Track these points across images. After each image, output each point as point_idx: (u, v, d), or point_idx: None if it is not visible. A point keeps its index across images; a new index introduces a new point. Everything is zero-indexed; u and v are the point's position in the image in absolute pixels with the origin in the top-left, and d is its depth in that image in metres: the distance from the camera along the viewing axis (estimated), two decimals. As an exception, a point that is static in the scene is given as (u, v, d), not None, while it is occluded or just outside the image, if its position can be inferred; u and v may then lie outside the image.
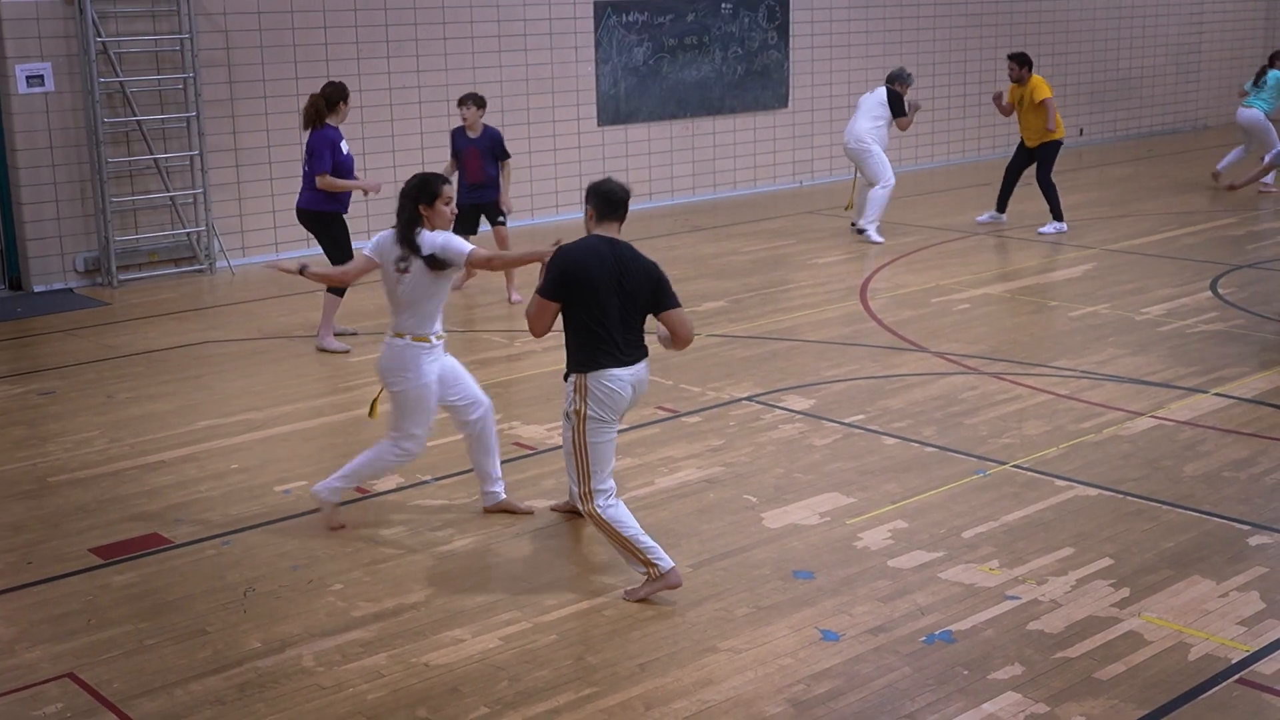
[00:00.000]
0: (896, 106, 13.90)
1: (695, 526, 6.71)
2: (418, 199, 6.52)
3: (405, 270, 6.47)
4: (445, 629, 5.70)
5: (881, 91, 13.99)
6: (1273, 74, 16.39)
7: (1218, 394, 8.64)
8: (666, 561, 5.91)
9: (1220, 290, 11.38)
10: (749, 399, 8.71)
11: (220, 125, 12.92)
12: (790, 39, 17.02)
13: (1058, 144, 14.06)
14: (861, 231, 13.94)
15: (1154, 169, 18.43)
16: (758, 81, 16.82)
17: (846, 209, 14.72)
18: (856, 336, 10.19)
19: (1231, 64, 23.09)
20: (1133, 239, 13.62)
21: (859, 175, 14.27)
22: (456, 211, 6.77)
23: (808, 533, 6.62)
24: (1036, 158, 14.16)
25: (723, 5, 16.33)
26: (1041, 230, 13.98)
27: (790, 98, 17.19)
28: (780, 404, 8.60)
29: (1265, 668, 5.29)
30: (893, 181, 13.87)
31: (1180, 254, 12.87)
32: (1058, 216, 14.03)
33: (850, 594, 5.96)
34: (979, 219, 14.60)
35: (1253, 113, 16.38)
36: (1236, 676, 5.23)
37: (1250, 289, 11.42)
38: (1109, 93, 21.11)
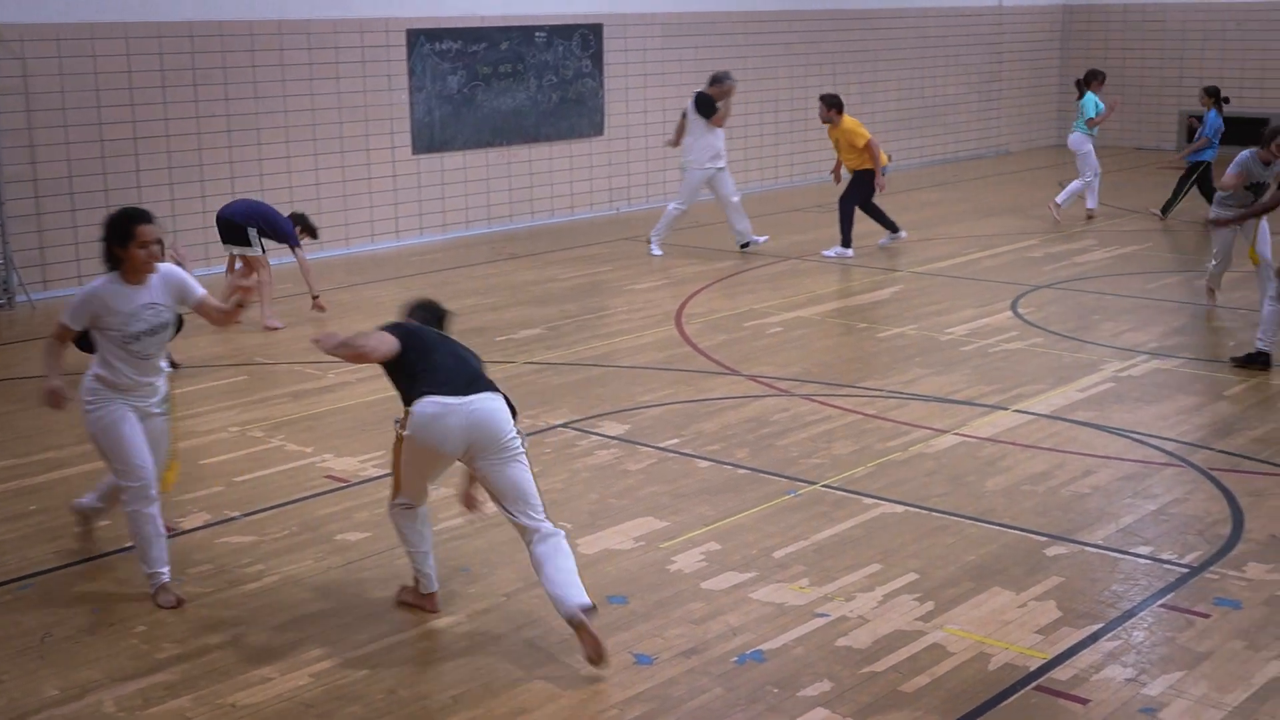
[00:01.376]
0: (705, 108, 14.25)
1: (510, 555, 6.69)
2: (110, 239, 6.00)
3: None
4: (253, 668, 5.59)
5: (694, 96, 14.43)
6: (1088, 97, 16.73)
7: (1017, 410, 8.94)
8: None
9: (1020, 310, 11.77)
10: (564, 425, 8.73)
11: (18, 155, 12.50)
12: (604, 67, 17.16)
13: (870, 173, 14.44)
14: (746, 245, 14.49)
15: (958, 194, 19.02)
16: (573, 109, 16.92)
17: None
18: (671, 361, 10.29)
19: (1031, 92, 23.97)
20: (938, 261, 14.03)
21: (718, 194, 14.64)
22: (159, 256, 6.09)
23: (622, 557, 6.66)
24: (851, 182, 14.56)
25: (536, 34, 16.39)
26: (826, 253, 14.41)
27: (605, 125, 17.32)
28: (596, 430, 8.63)
29: (1061, 674, 5.47)
30: (684, 206, 14.44)
31: (983, 276, 13.29)
32: (846, 243, 14.41)
33: (664, 617, 6.00)
34: (881, 243, 14.89)
35: (1075, 137, 16.67)
36: (1034, 684, 5.41)
37: (1048, 309, 11.85)
38: (915, 120, 21.73)
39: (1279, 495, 7.39)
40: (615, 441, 8.41)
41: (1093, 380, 9.61)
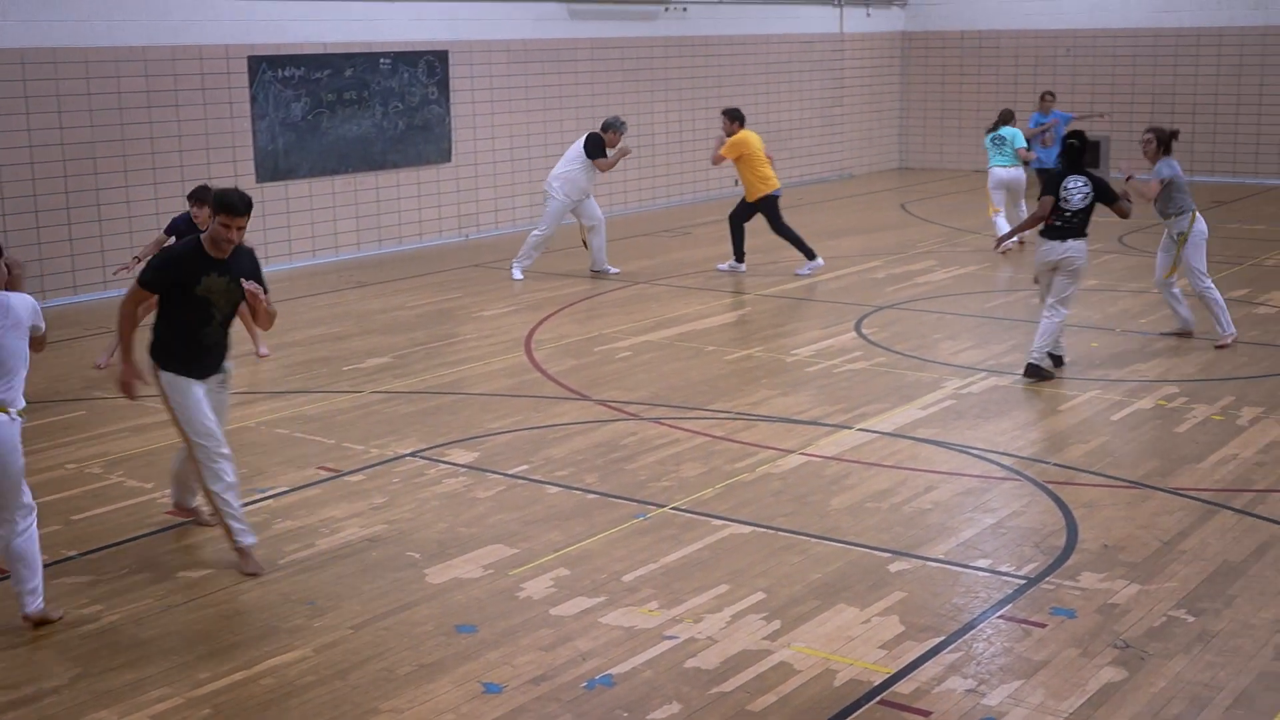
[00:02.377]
0: (592, 148, 14.40)
1: (357, 587, 6.62)
2: None
3: None
4: (90, 711, 5.44)
5: (585, 137, 14.53)
6: (1006, 130, 16.90)
7: (861, 429, 9.10)
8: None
9: (864, 330, 12.00)
10: (413, 455, 8.66)
11: None
12: (451, 94, 17.10)
13: (775, 195, 14.75)
14: (600, 272, 14.59)
15: (803, 217, 19.26)
16: (420, 136, 16.83)
17: (584, 244, 15.08)
18: (521, 388, 10.28)
19: (873, 116, 24.48)
20: (784, 284, 14.23)
21: (580, 220, 14.74)
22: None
23: (471, 586, 6.63)
24: (757, 211, 14.83)
25: (381, 60, 16.28)
26: (800, 271, 14.71)
27: (453, 152, 17.26)
28: (444, 458, 8.59)
29: (904, 688, 5.58)
30: (549, 233, 14.54)
31: (827, 297, 13.52)
32: (810, 255, 14.72)
33: (513, 644, 5.99)
34: (719, 267, 15.04)
35: (1014, 172, 16.43)
36: (879, 698, 5.50)
37: (890, 328, 12.09)
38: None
39: (1110, 506, 7.63)
40: (464, 469, 8.37)
41: (934, 398, 9.83)
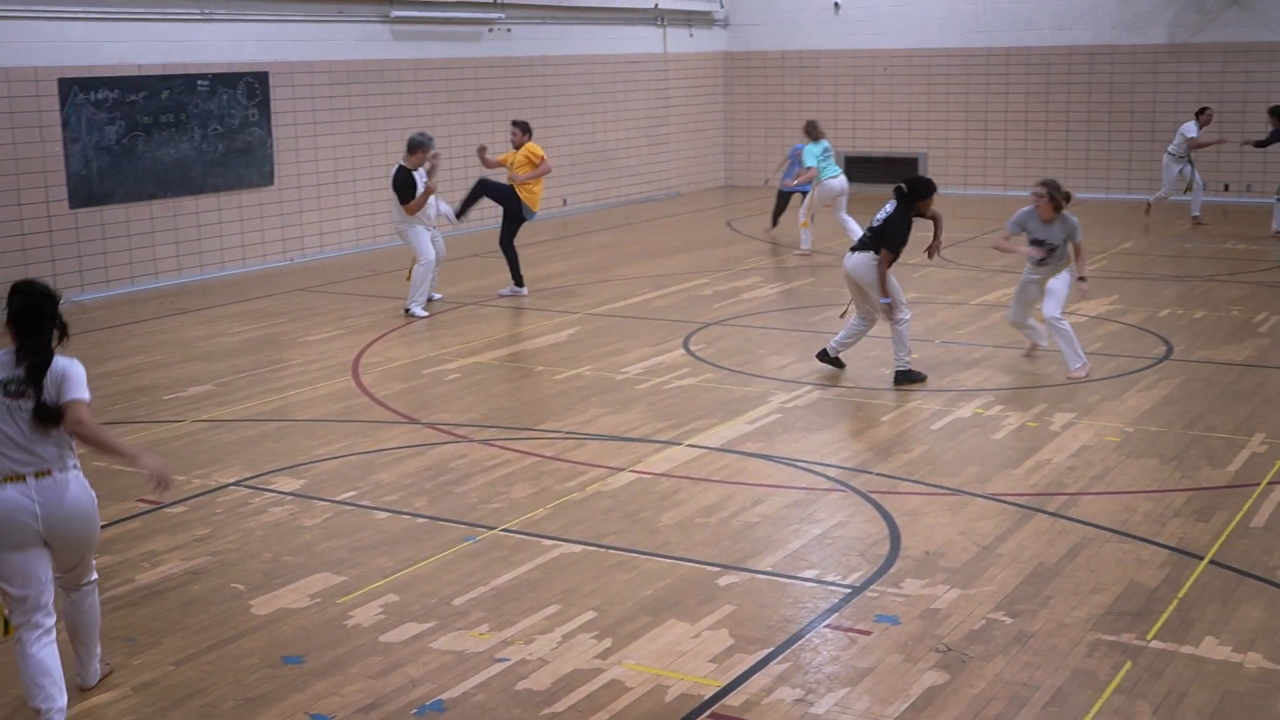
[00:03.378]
0: (401, 192, 13.66)
1: (180, 621, 6.46)
2: None
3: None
4: (-106, 763, 5.21)
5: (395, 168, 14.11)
6: (810, 148, 17.55)
7: (690, 445, 9.18)
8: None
9: (691, 347, 12.12)
10: (236, 484, 8.49)
11: None
12: (272, 115, 16.83)
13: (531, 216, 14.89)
14: (408, 312, 13.87)
15: (631, 236, 19.44)
16: (241, 159, 16.53)
17: (408, 279, 14.63)
18: (348, 413, 10.15)
19: (698, 135, 24.77)
20: (613, 303, 14.30)
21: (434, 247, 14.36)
22: None
23: (298, 616, 6.51)
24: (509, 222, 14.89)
25: (199, 82, 15.95)
26: (503, 292, 14.75)
27: (275, 174, 16.98)
28: (270, 486, 8.43)
29: (733, 700, 5.64)
30: (430, 257, 13.89)
31: (656, 315, 13.62)
32: (519, 282, 14.85)
33: (341, 674, 5.90)
34: (501, 293, 14.93)
35: (845, 180, 17.48)
36: (709, 712, 5.55)
37: (717, 344, 12.23)
38: (588, 164, 22.14)
39: (932, 513, 7.82)
40: (290, 497, 8.23)
41: (761, 412, 9.97)
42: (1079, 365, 10.75)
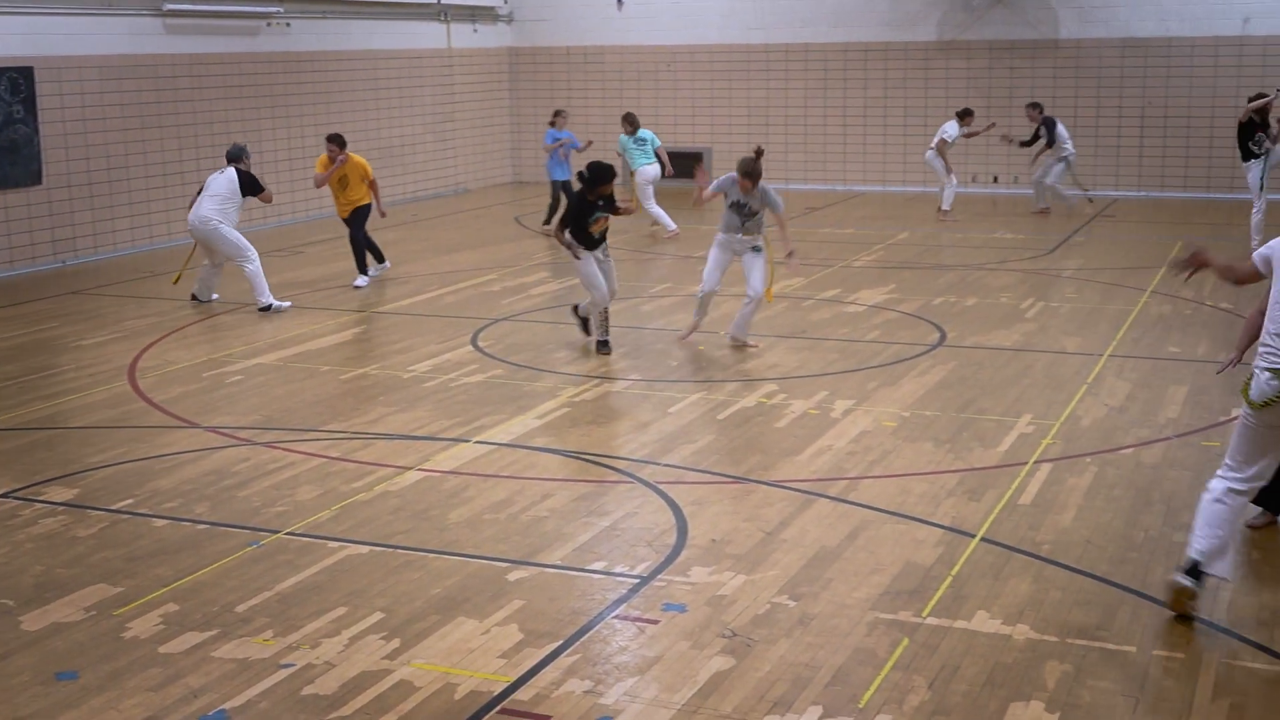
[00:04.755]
0: (250, 185, 13.72)
1: (-56, 641, 6.18)
2: None
3: None
4: None
5: (231, 172, 13.72)
6: (644, 132, 18.46)
7: (479, 441, 9.16)
8: None
9: (480, 343, 12.08)
10: (5, 495, 8.15)
11: None
12: (39, 112, 16.18)
13: (368, 207, 15.12)
14: (268, 308, 13.69)
15: (419, 232, 19.28)
16: (6, 158, 15.85)
17: (174, 283, 14.51)
18: (125, 419, 9.84)
19: (485, 131, 24.68)
20: (400, 300, 14.17)
21: (199, 251, 14.03)
22: None
23: (72, 630, 6.29)
24: (351, 223, 15.03)
25: (-42, 77, 15.25)
26: (357, 284, 14.84)
27: (44, 173, 16.34)
28: (40, 497, 8.12)
29: (523, 695, 5.65)
30: (254, 252, 13.72)
31: (444, 312, 13.54)
32: (380, 258, 15.35)
33: (118, 688, 5.72)
34: (371, 273, 15.16)
35: (657, 168, 18.54)
36: (499, 707, 5.55)
37: (506, 340, 12.22)
38: (372, 161, 21.80)
39: (717, 502, 7.95)
40: (62, 508, 7.94)
41: (549, 407, 10.00)
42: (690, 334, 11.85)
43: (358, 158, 15.23)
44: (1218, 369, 7.50)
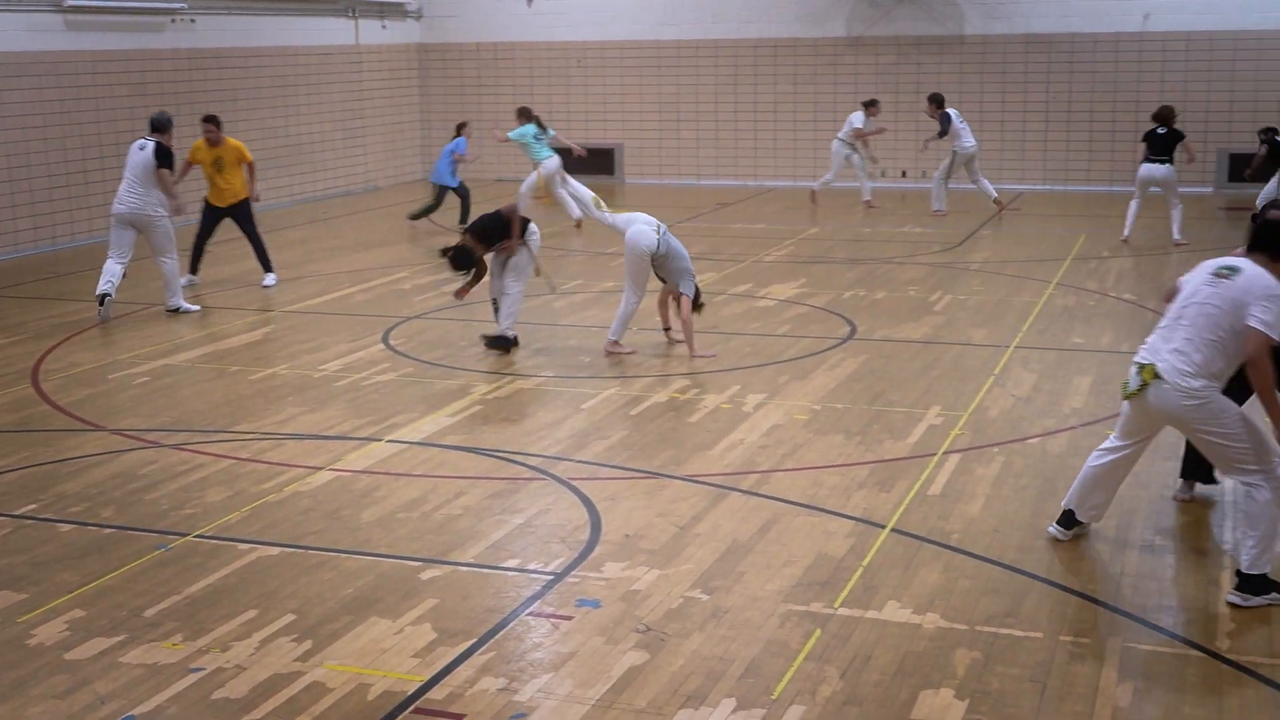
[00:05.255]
0: (164, 158, 13.23)
1: None
2: None
3: None
4: None
5: (152, 148, 13.21)
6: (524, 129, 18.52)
7: (391, 441, 9.10)
8: None
9: (391, 342, 12.01)
10: (-97, 503, 7.99)
11: None
12: (-65, 111, 15.85)
13: (248, 201, 14.78)
14: (177, 310, 13.42)
15: (329, 230, 19.12)
16: (-99, 157, 15.50)
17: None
18: (28, 422, 9.66)
19: (394, 128, 24.52)
20: (310, 299, 14.04)
21: (114, 241, 13.45)
22: None
23: (-26, 638, 6.18)
24: (237, 216, 14.67)
25: None
26: (266, 283, 14.69)
27: (-59, 173, 16.00)
28: (-59, 504, 7.96)
29: (437, 694, 5.63)
30: (173, 258, 13.43)
31: (355, 310, 13.44)
32: (270, 267, 14.92)
33: (23, 696, 5.62)
34: (182, 282, 14.45)
35: (552, 161, 18.50)
36: (413, 707, 5.53)
37: (418, 338, 12.15)
38: (281, 158, 21.63)
39: (630, 498, 7.97)
40: (-36, 514, 7.79)
41: (462, 404, 9.96)
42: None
43: (234, 141, 14.80)
44: None
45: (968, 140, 19.43)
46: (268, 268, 14.85)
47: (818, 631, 6.16)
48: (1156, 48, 21.68)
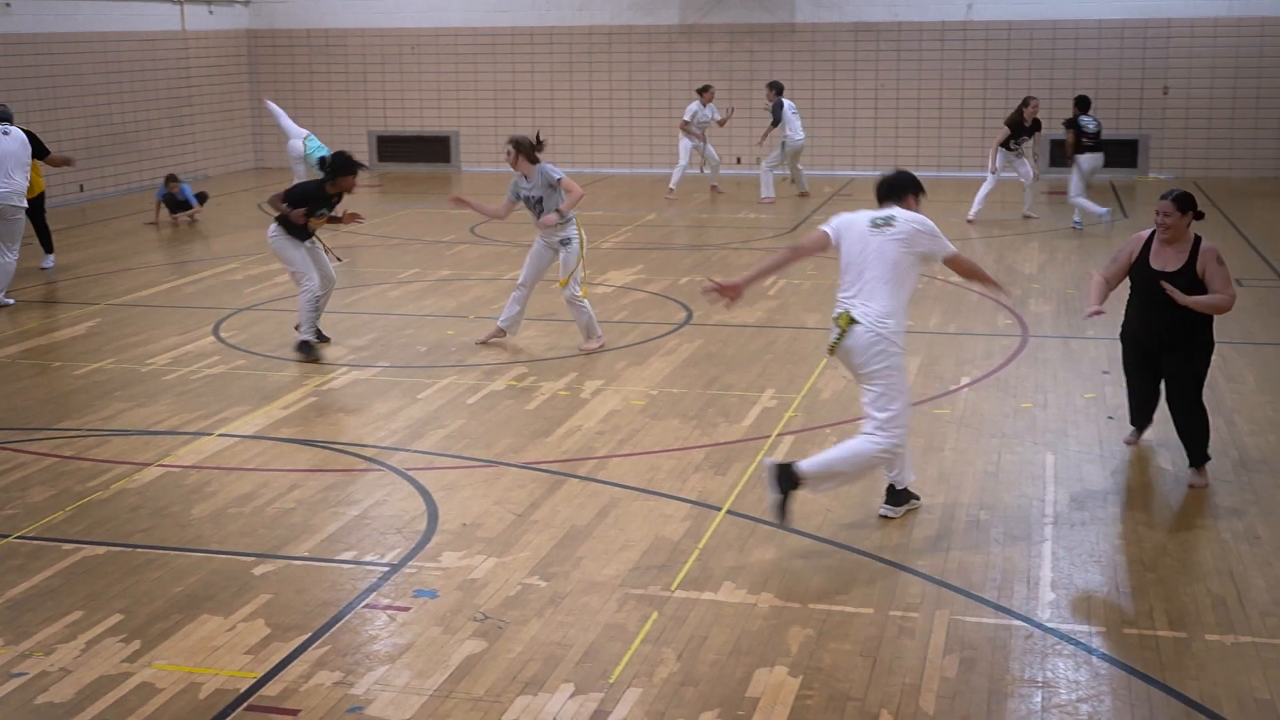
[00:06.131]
0: (38, 145, 13.32)
1: None
2: None
3: None
4: None
5: (19, 132, 12.99)
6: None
7: (222, 434, 8.93)
8: None
9: (222, 334, 11.77)
10: None
11: None
12: None
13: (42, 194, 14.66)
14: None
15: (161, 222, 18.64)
16: None
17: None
18: None
19: (224, 116, 24.00)
20: (137, 291, 13.69)
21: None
22: None
23: None
24: (34, 209, 14.37)
25: None
26: (45, 265, 14.74)
27: None
28: None
29: (271, 690, 5.55)
30: (15, 255, 13.20)
31: (183, 303, 13.14)
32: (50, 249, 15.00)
33: None
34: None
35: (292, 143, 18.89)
36: (246, 704, 5.44)
37: (249, 330, 11.93)
38: (107, 147, 21.03)
39: (467, 486, 7.94)
40: None
41: (295, 397, 9.81)
42: (594, 340, 11.07)
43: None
44: (1085, 316, 8.24)
45: (797, 133, 19.74)
46: (48, 248, 14.92)
47: (655, 614, 6.22)
48: (980, 37, 22.24)
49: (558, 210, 10.75)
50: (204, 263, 15.29)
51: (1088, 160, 16.86)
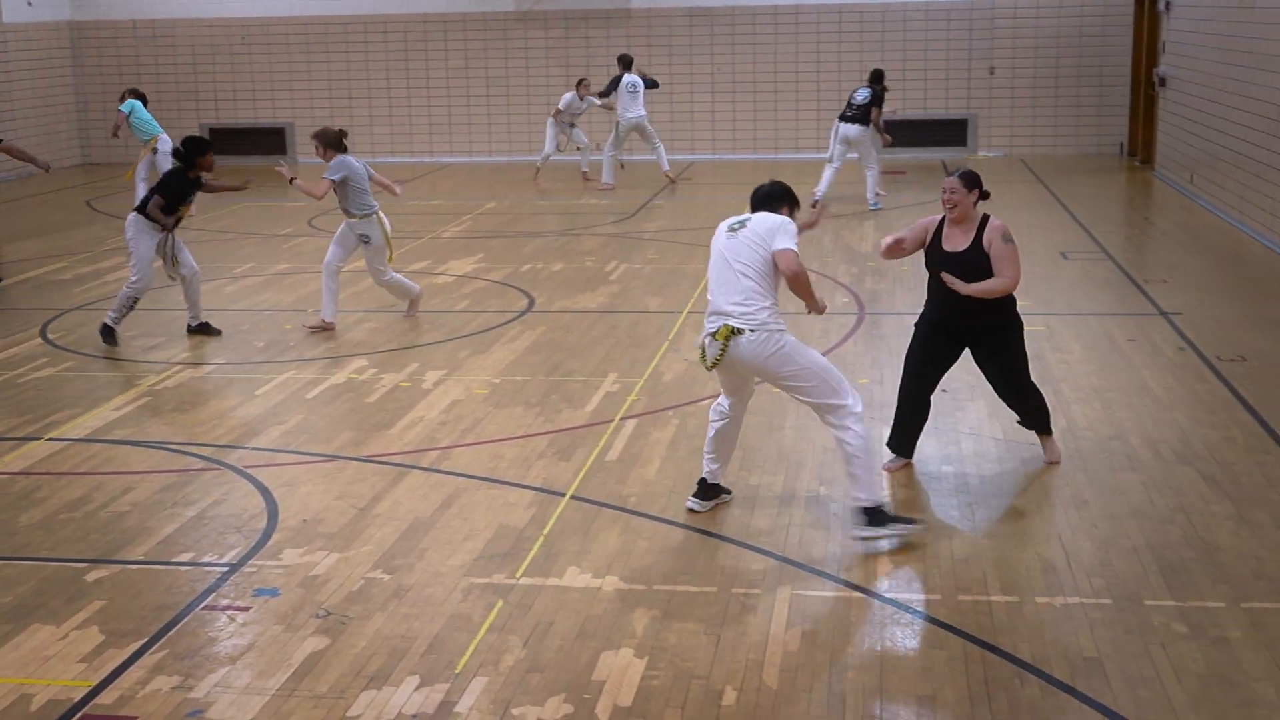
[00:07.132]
0: None
1: None
2: None
3: None
4: None
5: None
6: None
7: (51, 439, 8.68)
8: None
9: (50, 335, 11.43)
10: None
11: None
12: None
13: None
14: None
15: (-21, 220, 18.03)
16: None
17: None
18: None
19: (47, 111, 23.26)
20: (-42, 294, 13.23)
21: None
22: None
23: None
24: None
25: None
26: None
27: None
28: None
29: (107, 698, 5.42)
30: None
31: (8, 303, 12.73)
32: None
33: None
34: None
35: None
36: (80, 714, 5.31)
37: (78, 331, 11.60)
38: (-79, 145, 20.22)
39: (308, 482, 7.84)
40: None
41: (128, 397, 9.58)
42: (414, 293, 11.76)
43: None
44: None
45: (630, 110, 19.51)
46: None
47: (500, 603, 6.21)
48: (811, 20, 22.53)
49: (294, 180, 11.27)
50: (30, 262, 14.81)
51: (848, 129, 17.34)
